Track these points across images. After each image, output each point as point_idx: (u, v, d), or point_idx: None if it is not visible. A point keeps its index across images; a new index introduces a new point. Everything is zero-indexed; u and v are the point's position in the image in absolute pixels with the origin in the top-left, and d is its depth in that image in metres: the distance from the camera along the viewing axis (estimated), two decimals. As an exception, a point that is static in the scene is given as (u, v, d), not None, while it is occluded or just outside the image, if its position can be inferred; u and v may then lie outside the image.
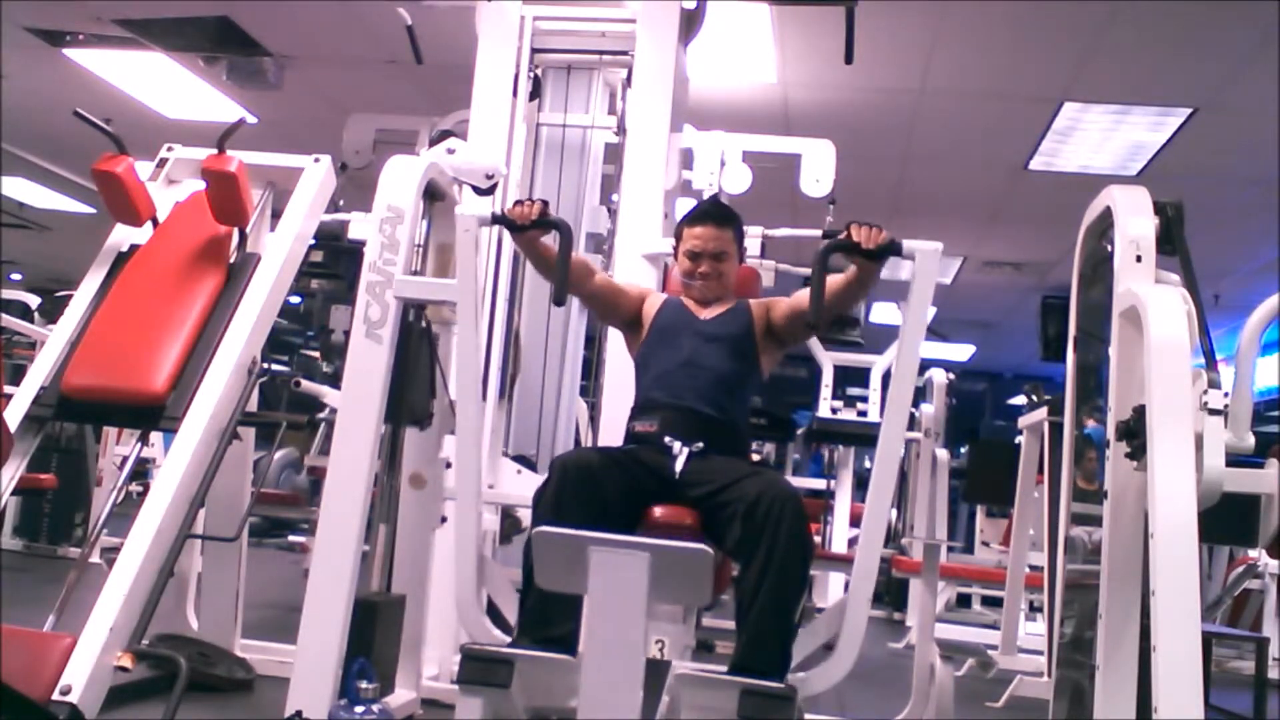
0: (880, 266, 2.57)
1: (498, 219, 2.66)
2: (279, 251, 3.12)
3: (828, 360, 7.54)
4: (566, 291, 2.59)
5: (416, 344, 3.25)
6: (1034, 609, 6.51)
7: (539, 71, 4.16)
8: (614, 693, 2.10)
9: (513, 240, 2.75)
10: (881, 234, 2.50)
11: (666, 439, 2.64)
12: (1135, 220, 2.49)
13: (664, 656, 2.50)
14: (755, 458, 2.96)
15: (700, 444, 2.62)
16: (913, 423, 5.97)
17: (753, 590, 2.43)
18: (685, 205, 5.26)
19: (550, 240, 2.68)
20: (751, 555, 2.42)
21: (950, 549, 8.59)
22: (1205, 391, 2.17)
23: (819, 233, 5.93)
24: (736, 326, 2.83)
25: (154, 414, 2.84)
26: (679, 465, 2.60)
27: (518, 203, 2.64)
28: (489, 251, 3.89)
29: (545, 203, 2.63)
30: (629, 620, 2.11)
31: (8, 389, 2.85)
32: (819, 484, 8.20)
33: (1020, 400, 7.46)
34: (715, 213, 2.94)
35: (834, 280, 2.62)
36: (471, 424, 2.62)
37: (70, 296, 3.13)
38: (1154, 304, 2.27)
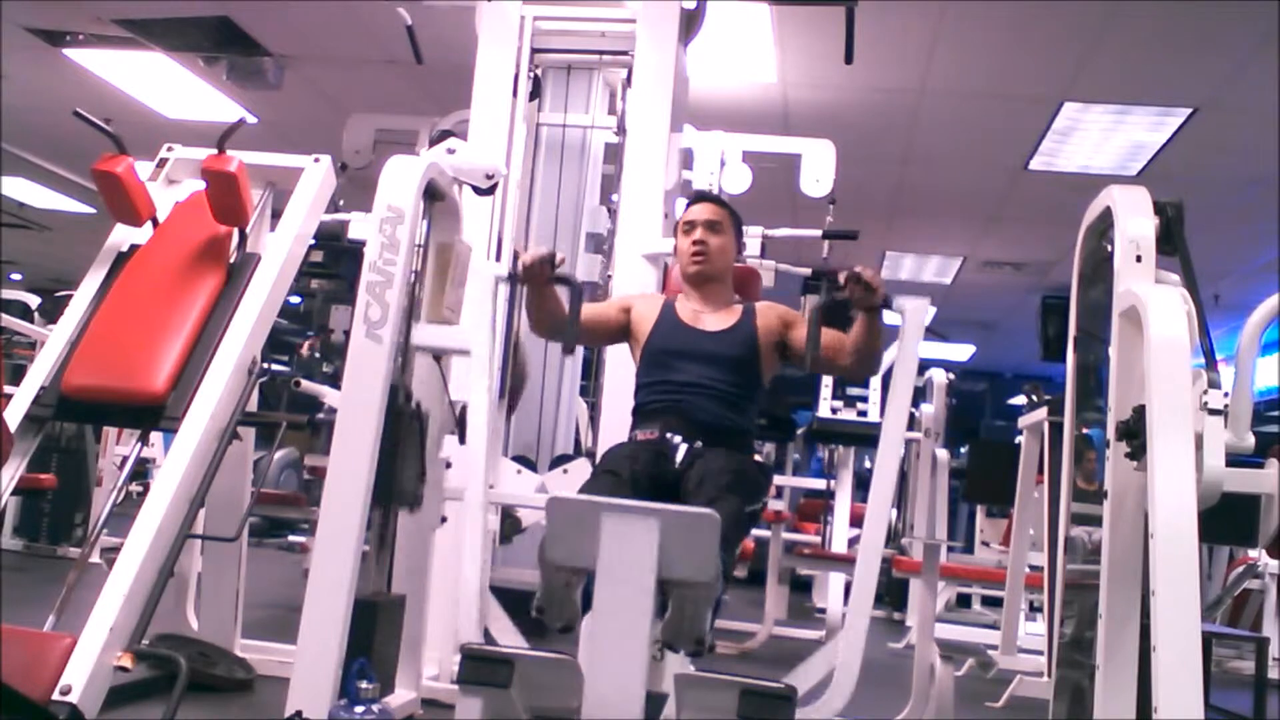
0: (879, 315, 2.60)
1: (515, 277, 2.73)
2: (279, 251, 3.12)
3: (828, 360, 7.52)
4: (575, 343, 2.75)
5: (407, 426, 3.18)
6: (1034, 609, 6.51)
7: (539, 71, 4.16)
8: (620, 665, 2.14)
9: (525, 292, 2.78)
10: (876, 290, 2.52)
11: (668, 435, 2.67)
12: (1135, 220, 2.48)
13: (661, 658, 2.50)
14: (757, 458, 2.96)
15: (700, 442, 2.64)
16: (913, 423, 5.97)
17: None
18: (685, 205, 5.27)
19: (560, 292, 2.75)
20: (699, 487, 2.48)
21: (950, 549, 8.59)
22: (1205, 391, 2.17)
23: (819, 233, 5.96)
24: (740, 346, 2.80)
25: (154, 414, 2.83)
26: (679, 458, 2.62)
27: (530, 259, 2.66)
28: (490, 250, 3.89)
29: (554, 254, 2.67)
30: (638, 589, 2.15)
31: (8, 389, 2.85)
32: (819, 484, 8.20)
33: (1020, 400, 7.46)
34: (712, 196, 3.11)
35: (844, 337, 2.69)
36: (481, 479, 2.68)
37: (70, 296, 3.13)
38: (1154, 304, 2.26)
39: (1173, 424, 2.13)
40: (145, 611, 2.52)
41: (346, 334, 3.16)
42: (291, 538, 7.78)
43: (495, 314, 2.91)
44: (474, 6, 4.05)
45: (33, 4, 5.56)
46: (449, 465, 3.42)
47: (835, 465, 7.44)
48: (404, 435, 3.15)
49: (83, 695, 2.32)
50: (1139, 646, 2.30)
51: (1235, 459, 2.17)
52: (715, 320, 2.85)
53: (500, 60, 3.93)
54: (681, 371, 2.76)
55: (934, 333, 10.13)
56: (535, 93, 4.17)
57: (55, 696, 2.30)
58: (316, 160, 3.29)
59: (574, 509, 2.25)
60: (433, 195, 3.21)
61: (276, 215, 3.26)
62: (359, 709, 2.71)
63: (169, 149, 3.42)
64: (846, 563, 5.89)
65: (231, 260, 3.14)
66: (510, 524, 4.12)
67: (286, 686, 2.62)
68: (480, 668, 2.26)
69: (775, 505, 6.71)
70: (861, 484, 7.82)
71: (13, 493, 2.90)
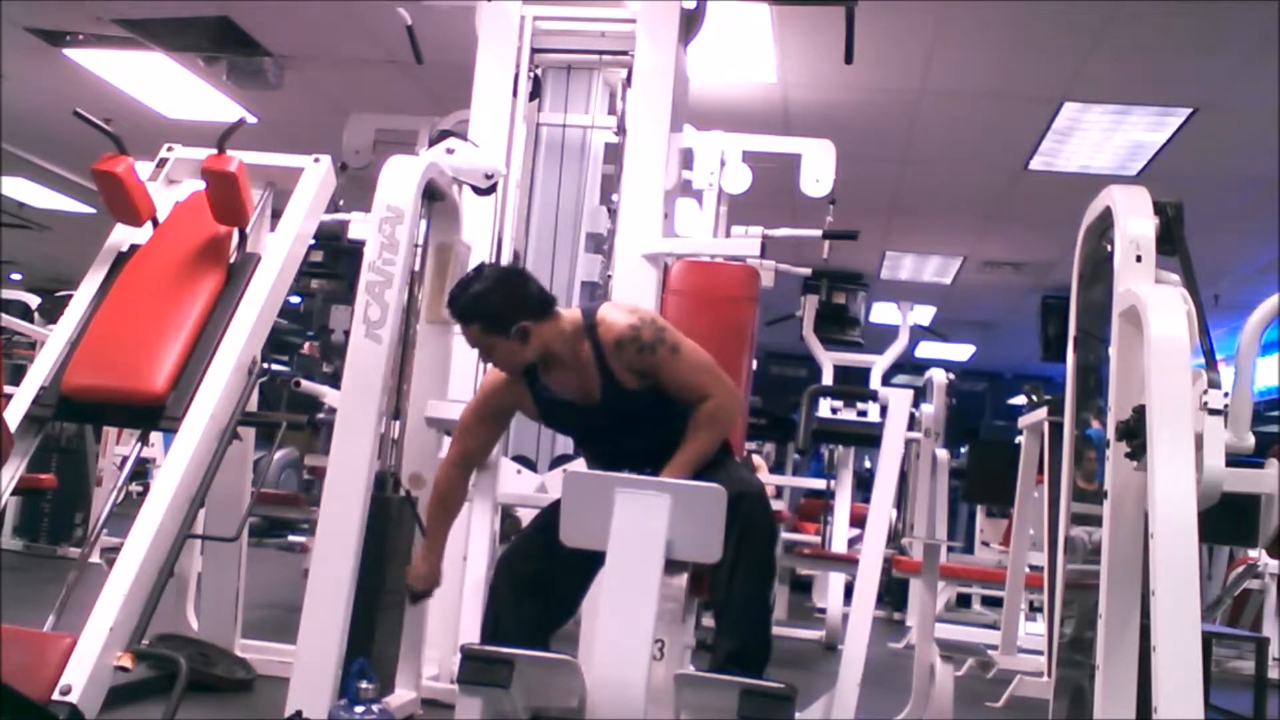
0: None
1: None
2: (279, 251, 3.12)
3: (828, 360, 7.53)
4: None
5: (397, 515, 3.12)
6: (1034, 609, 6.51)
7: (539, 71, 4.16)
8: (626, 641, 2.18)
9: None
10: None
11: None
12: (1135, 220, 2.48)
13: (661, 657, 2.50)
14: (757, 460, 2.95)
15: (649, 470, 2.55)
16: (913, 423, 5.96)
17: (726, 584, 2.47)
18: (685, 205, 5.27)
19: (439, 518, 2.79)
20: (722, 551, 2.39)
21: (950, 549, 8.58)
22: (1205, 391, 2.17)
23: (819, 233, 5.94)
24: (626, 400, 2.61)
25: (154, 414, 2.84)
26: None
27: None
28: (490, 250, 3.89)
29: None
30: (647, 563, 2.22)
31: (8, 389, 2.85)
32: (819, 484, 8.20)
33: (1020, 400, 7.45)
34: (455, 309, 2.60)
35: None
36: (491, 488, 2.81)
37: (70, 296, 3.13)
38: (1154, 304, 2.26)
39: (1173, 424, 2.13)
40: (145, 611, 2.52)
41: (346, 334, 3.16)
42: (291, 538, 7.78)
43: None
44: (474, 6, 4.05)
45: (33, 4, 5.56)
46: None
47: (835, 465, 7.44)
48: (393, 524, 3.09)
49: (83, 695, 2.32)
50: (1139, 646, 2.30)
51: (1235, 459, 2.17)
52: (589, 386, 2.63)
53: (500, 60, 3.93)
54: (597, 436, 2.72)
55: (934, 333, 10.12)
56: (535, 93, 4.17)
57: (55, 696, 2.30)
58: (316, 160, 3.30)
59: (589, 484, 2.35)
60: (432, 195, 3.22)
61: (276, 215, 3.26)
62: (359, 709, 2.71)
63: (169, 149, 3.42)
64: (846, 563, 5.89)
65: (231, 260, 3.14)
66: (510, 524, 4.12)
67: (286, 686, 2.62)
68: (480, 668, 2.26)
69: (775, 505, 6.71)
70: (861, 484, 7.83)
71: (13, 493, 2.90)
